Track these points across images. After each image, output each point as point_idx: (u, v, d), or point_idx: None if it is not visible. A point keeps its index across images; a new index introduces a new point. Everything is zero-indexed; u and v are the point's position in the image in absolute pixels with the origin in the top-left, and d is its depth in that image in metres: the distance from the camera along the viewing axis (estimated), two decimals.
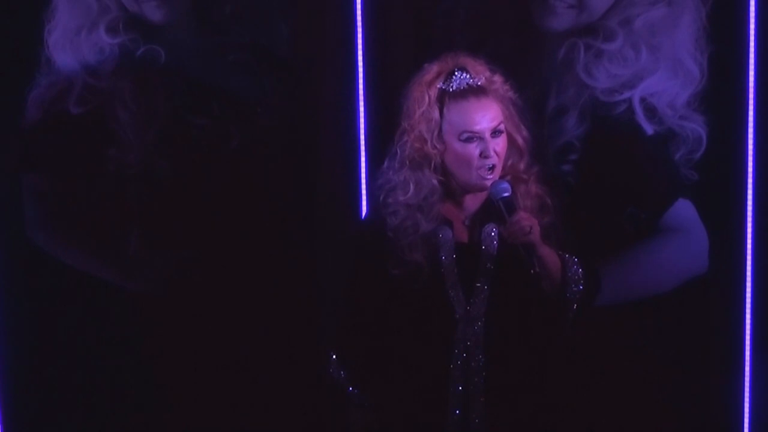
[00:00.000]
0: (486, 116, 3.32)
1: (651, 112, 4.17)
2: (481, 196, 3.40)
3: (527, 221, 3.28)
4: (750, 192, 4.16)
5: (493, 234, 3.39)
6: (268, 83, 4.30)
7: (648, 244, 4.22)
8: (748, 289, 4.20)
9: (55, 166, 4.28)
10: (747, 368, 4.24)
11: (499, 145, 3.34)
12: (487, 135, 3.31)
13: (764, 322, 4.23)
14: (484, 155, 3.31)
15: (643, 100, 4.16)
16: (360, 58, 4.20)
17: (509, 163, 3.40)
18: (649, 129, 4.18)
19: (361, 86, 4.22)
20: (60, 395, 4.41)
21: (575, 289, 3.40)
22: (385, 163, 3.44)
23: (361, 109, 4.21)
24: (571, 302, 3.40)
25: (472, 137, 3.32)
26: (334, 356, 3.49)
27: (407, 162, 3.38)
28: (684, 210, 4.20)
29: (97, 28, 4.22)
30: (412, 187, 3.38)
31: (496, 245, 3.38)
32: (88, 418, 4.41)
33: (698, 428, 4.31)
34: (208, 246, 4.32)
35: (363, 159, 4.23)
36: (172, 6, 4.22)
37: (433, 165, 3.37)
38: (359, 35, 4.20)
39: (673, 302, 4.25)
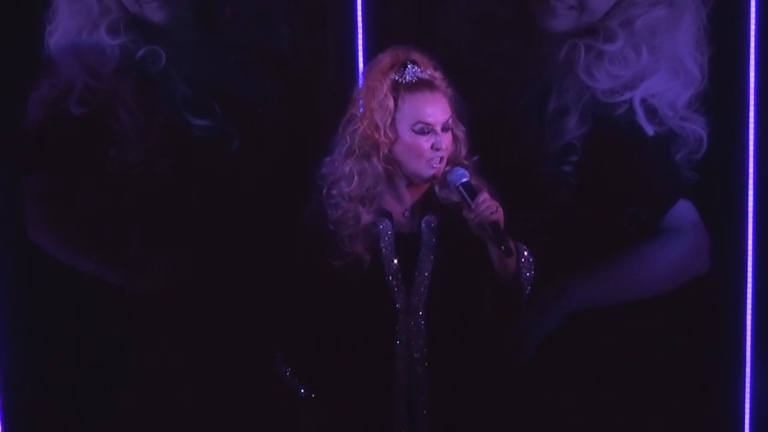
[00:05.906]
0: (438, 109, 3.38)
1: (652, 113, 4.18)
2: (422, 189, 3.45)
3: (492, 201, 3.32)
4: (751, 192, 4.17)
5: (433, 225, 3.43)
6: (269, 84, 4.30)
7: (649, 244, 4.23)
8: (749, 290, 4.21)
9: (56, 167, 4.28)
10: (747, 368, 4.25)
11: (447, 139, 3.40)
12: (439, 128, 3.37)
13: (764, 322, 4.24)
14: (435, 147, 3.37)
15: (643, 101, 4.16)
16: (360, 58, 4.21)
17: (452, 154, 3.46)
18: (649, 130, 4.18)
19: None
20: (60, 395, 4.40)
21: (528, 275, 3.43)
22: (331, 153, 3.47)
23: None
24: (524, 287, 3.44)
25: (424, 129, 3.37)
26: (279, 354, 3.53)
27: (356, 150, 3.42)
28: (685, 211, 4.21)
29: (97, 29, 4.21)
30: (356, 178, 3.41)
31: (436, 236, 3.42)
32: (89, 419, 4.41)
33: (698, 428, 4.32)
34: (208, 247, 4.32)
35: None
36: (173, 7, 4.22)
37: (381, 154, 3.40)
38: (359, 35, 4.21)
39: (673, 302, 4.26)
